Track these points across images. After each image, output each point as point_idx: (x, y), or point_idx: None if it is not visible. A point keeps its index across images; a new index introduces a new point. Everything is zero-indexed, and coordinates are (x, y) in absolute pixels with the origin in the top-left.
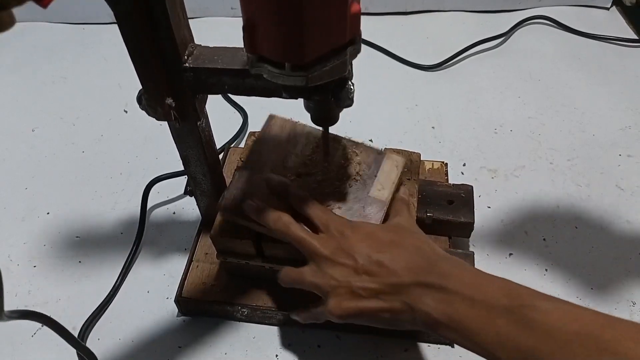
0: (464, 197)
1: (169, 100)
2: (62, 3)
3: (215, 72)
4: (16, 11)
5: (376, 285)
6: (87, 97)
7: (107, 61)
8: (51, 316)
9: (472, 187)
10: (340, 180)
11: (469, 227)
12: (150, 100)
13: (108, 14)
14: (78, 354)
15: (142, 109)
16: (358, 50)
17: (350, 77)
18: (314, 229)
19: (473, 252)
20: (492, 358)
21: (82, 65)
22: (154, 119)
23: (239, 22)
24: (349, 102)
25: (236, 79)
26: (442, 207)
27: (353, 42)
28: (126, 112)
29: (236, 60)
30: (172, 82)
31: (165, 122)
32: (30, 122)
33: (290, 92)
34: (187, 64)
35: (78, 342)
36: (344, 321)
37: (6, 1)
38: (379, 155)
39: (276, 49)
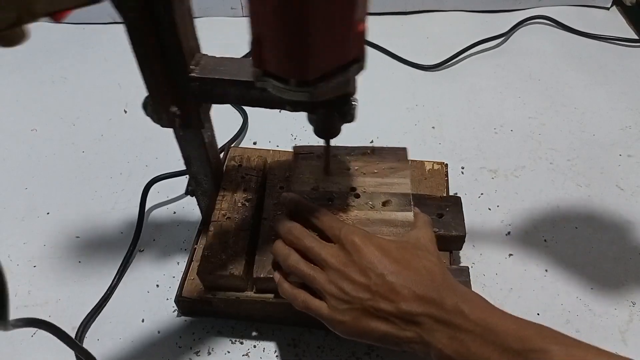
0: (453, 209)
1: (174, 109)
2: None
3: (221, 83)
4: None
5: (389, 309)
6: (87, 97)
7: (107, 61)
8: (51, 316)
9: (460, 198)
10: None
11: (460, 240)
12: (156, 108)
13: (108, 14)
14: (77, 357)
15: (147, 115)
16: (361, 68)
17: (354, 92)
18: (327, 239)
19: (467, 266)
20: None
21: (82, 65)
22: (159, 125)
23: (239, 22)
24: (350, 118)
25: (241, 90)
26: (432, 222)
27: (358, 59)
28: (126, 112)
29: (242, 71)
30: (177, 90)
31: None
32: (30, 122)
33: (294, 106)
34: (193, 74)
35: (82, 348)
36: (349, 337)
37: (21, 18)
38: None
39: (281, 65)
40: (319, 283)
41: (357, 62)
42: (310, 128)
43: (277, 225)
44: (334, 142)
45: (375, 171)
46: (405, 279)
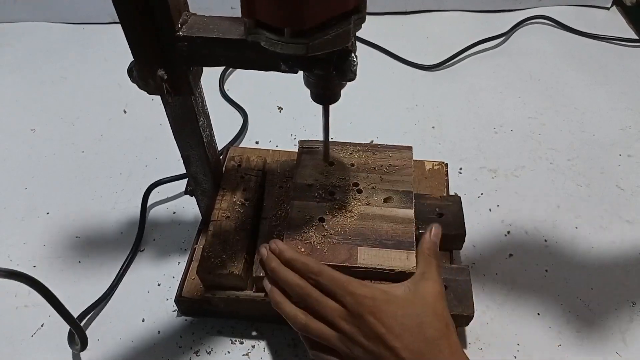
0: (453, 209)
1: (161, 72)
2: (62, 3)
3: (210, 42)
4: (17, 11)
5: None
6: (87, 97)
7: (107, 61)
8: (51, 316)
9: (460, 197)
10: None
11: (460, 239)
12: (142, 72)
13: (108, 13)
14: (69, 332)
15: (132, 82)
16: (362, 20)
17: (354, 49)
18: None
19: (467, 266)
20: None
21: (82, 65)
22: (145, 92)
23: None
24: (351, 76)
25: (232, 50)
26: (432, 221)
27: (357, 9)
28: (125, 112)
29: (233, 30)
30: (164, 52)
31: (166, 123)
32: (30, 122)
33: (289, 63)
34: (180, 33)
35: (62, 306)
36: None
37: None
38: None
39: (275, 12)
40: (331, 343)
41: (357, 13)
42: (310, 128)
43: (277, 275)
44: (337, 138)
45: (379, 168)
46: (412, 352)
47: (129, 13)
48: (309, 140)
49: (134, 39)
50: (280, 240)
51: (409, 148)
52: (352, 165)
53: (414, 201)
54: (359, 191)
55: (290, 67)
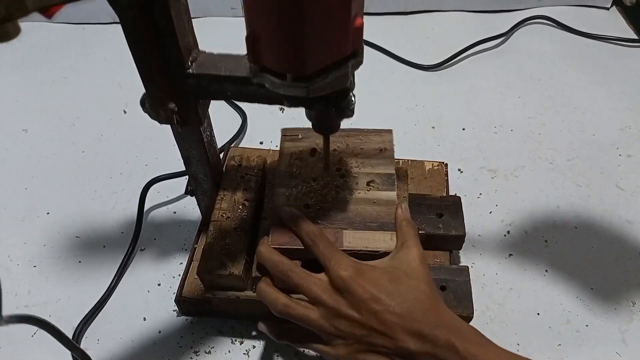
0: (453, 209)
1: (172, 105)
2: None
3: (218, 79)
4: None
5: (386, 344)
6: (87, 97)
7: (107, 61)
8: (51, 316)
9: (459, 197)
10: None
11: (460, 239)
12: (153, 104)
13: (108, 13)
14: (73, 357)
15: (144, 112)
16: (360, 62)
17: (352, 88)
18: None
19: (467, 266)
20: None
21: (82, 65)
22: (157, 122)
23: (239, 22)
24: (349, 114)
25: (239, 86)
26: (432, 221)
27: (355, 54)
28: (125, 112)
29: (239, 67)
30: (175, 87)
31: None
32: (30, 122)
33: (291, 102)
34: (190, 70)
35: (76, 345)
36: None
37: (12, 14)
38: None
39: (278, 60)
40: (313, 323)
41: (355, 57)
42: (309, 127)
43: (262, 257)
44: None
45: (360, 152)
46: (399, 315)
47: (143, 52)
48: (290, 129)
49: (147, 75)
50: (294, 210)
51: (390, 131)
52: (334, 150)
53: (395, 183)
54: (342, 176)
55: (292, 105)
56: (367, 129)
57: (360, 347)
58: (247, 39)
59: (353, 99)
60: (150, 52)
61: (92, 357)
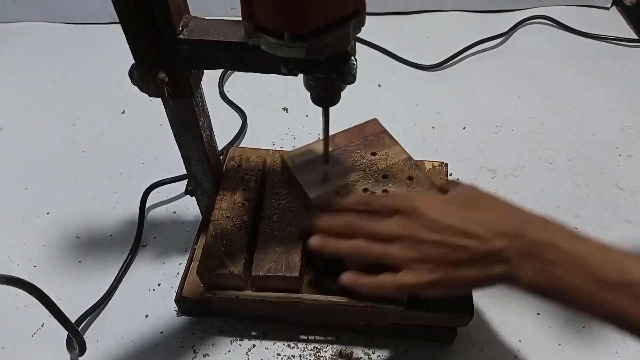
0: None
1: (162, 75)
2: (62, 3)
3: (211, 45)
4: (17, 11)
5: (469, 255)
6: (87, 97)
7: (107, 61)
8: (50, 316)
9: None
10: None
11: None
12: (143, 75)
13: (108, 13)
14: (68, 337)
15: (134, 84)
16: (362, 23)
17: (354, 52)
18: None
19: None
20: (599, 320)
21: (82, 65)
22: (147, 94)
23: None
24: (351, 79)
25: (233, 53)
26: None
27: (357, 13)
28: (124, 112)
29: (234, 33)
30: (165, 55)
31: (166, 123)
32: (30, 122)
33: (289, 66)
34: (181, 36)
35: (61, 312)
36: (446, 294)
37: None
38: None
39: (275, 16)
40: (395, 255)
41: (357, 16)
42: (309, 128)
43: (325, 222)
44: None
45: (368, 150)
46: (476, 221)
47: (130, 16)
48: (290, 152)
49: (135, 42)
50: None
51: (375, 120)
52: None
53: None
54: (385, 177)
55: (290, 70)
56: (353, 127)
57: (448, 266)
58: None
59: (355, 63)
60: (139, 15)
61: (93, 357)
